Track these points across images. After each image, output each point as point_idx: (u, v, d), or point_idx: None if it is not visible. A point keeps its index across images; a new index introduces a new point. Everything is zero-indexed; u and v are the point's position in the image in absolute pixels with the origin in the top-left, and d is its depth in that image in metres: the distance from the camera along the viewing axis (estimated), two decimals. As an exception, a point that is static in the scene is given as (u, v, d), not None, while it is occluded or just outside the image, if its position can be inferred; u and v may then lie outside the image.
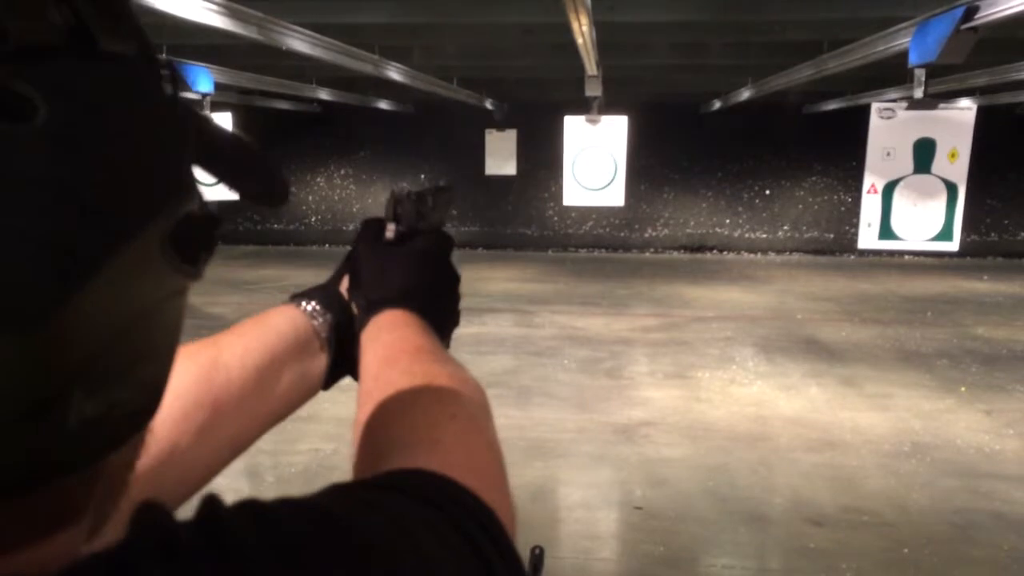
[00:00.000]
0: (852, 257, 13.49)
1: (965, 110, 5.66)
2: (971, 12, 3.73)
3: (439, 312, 0.80)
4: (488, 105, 11.70)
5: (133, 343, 0.32)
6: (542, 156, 13.01)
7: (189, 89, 6.00)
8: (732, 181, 14.06)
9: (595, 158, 9.04)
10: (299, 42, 5.09)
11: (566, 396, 6.23)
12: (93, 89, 0.31)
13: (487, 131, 13.11)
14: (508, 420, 5.48)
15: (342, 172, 14.73)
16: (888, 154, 5.62)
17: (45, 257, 0.28)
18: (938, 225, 5.66)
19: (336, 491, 0.45)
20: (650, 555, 3.92)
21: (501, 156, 13.22)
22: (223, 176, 0.41)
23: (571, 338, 7.99)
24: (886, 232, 5.66)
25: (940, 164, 5.62)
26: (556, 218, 14.39)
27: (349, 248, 0.86)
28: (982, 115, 5.82)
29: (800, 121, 12.97)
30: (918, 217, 5.67)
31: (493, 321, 8.60)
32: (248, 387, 0.72)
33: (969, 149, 5.60)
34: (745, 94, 9.34)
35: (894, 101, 5.76)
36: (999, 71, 6.87)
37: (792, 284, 11.30)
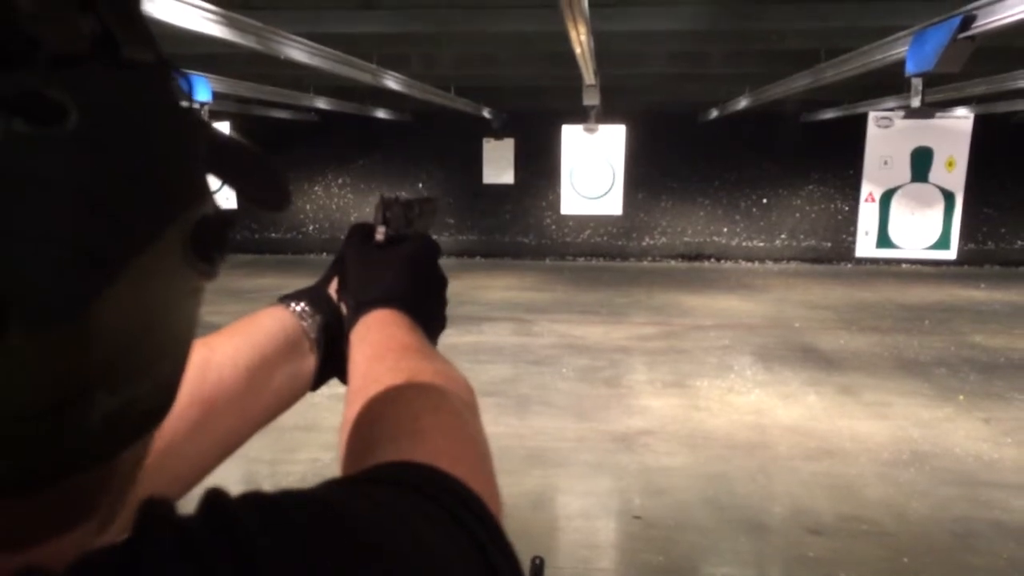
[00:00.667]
0: (849, 265, 13.50)
1: (962, 119, 5.68)
2: (968, 21, 3.74)
3: (426, 314, 0.81)
4: (486, 114, 11.71)
5: (152, 342, 0.34)
6: (540, 165, 13.03)
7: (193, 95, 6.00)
8: (730, 190, 14.07)
9: (593, 167, 9.06)
10: (297, 51, 5.09)
11: (565, 405, 6.22)
12: (119, 95, 0.32)
13: (485, 140, 13.13)
14: (507, 429, 5.47)
15: (340, 181, 14.73)
16: (885, 163, 5.63)
17: (71, 259, 0.29)
18: (936, 234, 5.67)
19: (332, 485, 0.46)
20: (649, 564, 3.91)
21: (499, 165, 13.24)
22: (228, 180, 0.42)
23: (570, 347, 7.99)
24: (884, 240, 5.66)
25: (937, 173, 5.63)
26: (554, 227, 14.39)
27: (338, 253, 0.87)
28: (979, 124, 5.84)
29: (797, 130, 13.00)
30: (916, 225, 5.68)
31: (491, 330, 8.59)
32: (240, 387, 0.73)
33: (966, 158, 5.62)
34: (742, 103, 9.36)
35: (891, 110, 5.77)
36: (996, 80, 6.88)
37: (790, 292, 11.30)
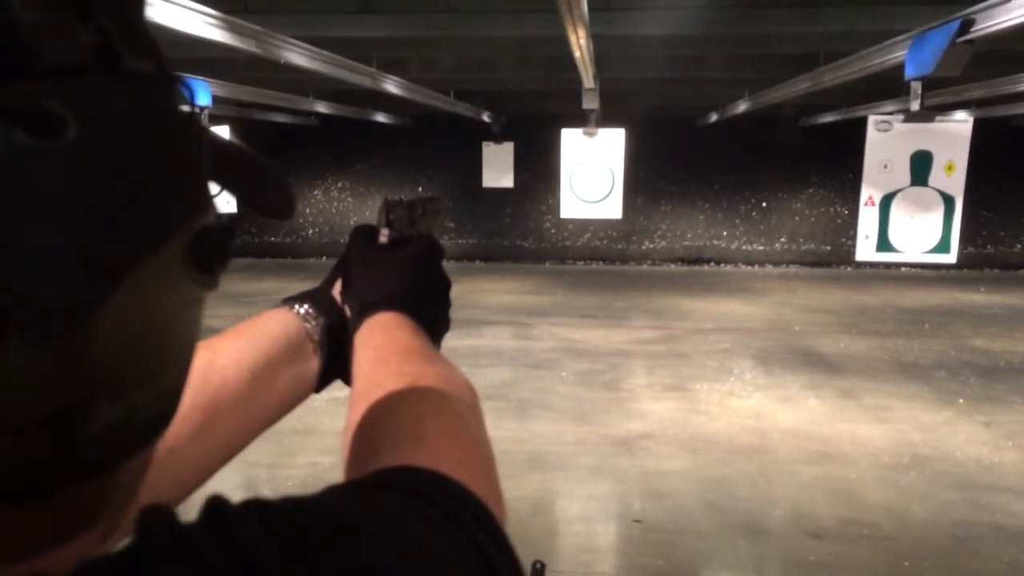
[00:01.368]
0: (849, 269, 13.50)
1: (962, 123, 5.68)
2: (967, 25, 3.74)
3: (430, 316, 0.81)
4: (485, 118, 11.72)
5: (154, 352, 0.34)
6: (539, 169, 13.04)
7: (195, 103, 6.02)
8: (729, 193, 14.08)
9: (592, 171, 9.05)
10: (297, 55, 5.09)
11: (564, 408, 6.21)
12: (119, 106, 0.32)
13: (484, 144, 13.13)
14: (506, 432, 5.46)
15: (339, 185, 14.74)
16: (885, 166, 5.63)
17: (72, 271, 0.29)
18: (936, 237, 5.67)
19: (334, 491, 0.45)
20: (649, 568, 3.90)
21: (498, 169, 13.23)
22: (232, 187, 0.42)
23: (569, 350, 7.98)
24: (884, 244, 5.66)
25: (937, 176, 5.63)
26: (553, 230, 14.39)
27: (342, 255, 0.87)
28: (978, 127, 5.84)
29: (797, 134, 13.01)
30: (915, 229, 5.68)
31: (491, 333, 8.59)
32: (243, 390, 0.73)
33: (966, 162, 5.62)
34: (742, 107, 9.37)
35: (890, 114, 5.77)
36: (995, 84, 6.89)
37: (790, 296, 11.30)
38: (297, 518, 0.38)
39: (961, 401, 6.45)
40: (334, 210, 14.81)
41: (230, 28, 4.18)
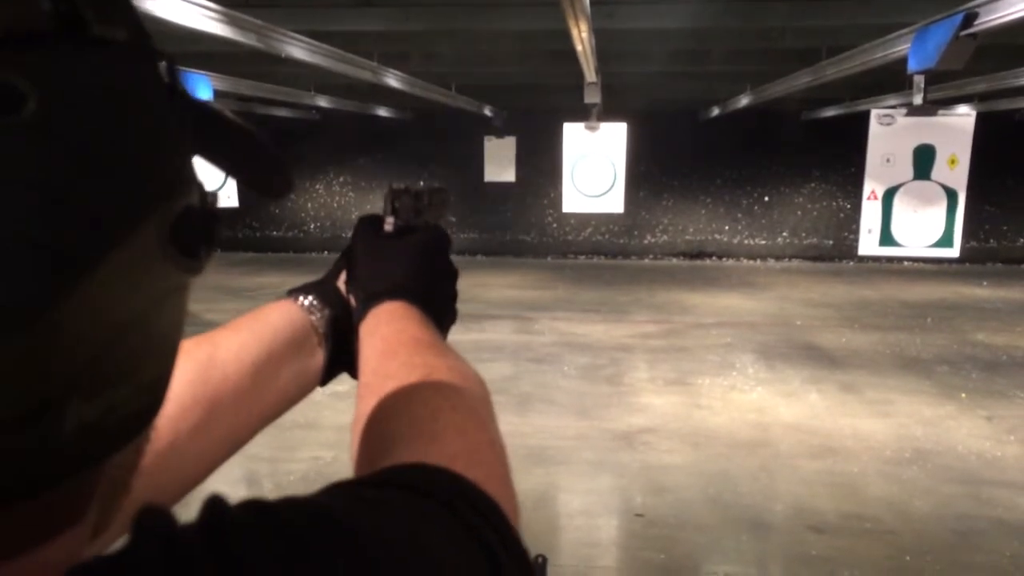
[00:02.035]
0: (851, 263, 13.49)
1: (964, 116, 5.67)
2: (970, 18, 3.73)
3: (437, 306, 0.79)
4: (487, 112, 11.71)
5: (132, 343, 0.31)
6: (541, 163, 13.03)
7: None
8: (731, 188, 14.07)
9: (594, 165, 9.05)
10: (298, 49, 5.09)
11: (566, 403, 6.21)
12: (85, 78, 0.29)
13: (486, 138, 13.12)
14: (508, 427, 5.43)
15: (341, 179, 14.74)
16: (888, 160, 5.63)
17: (35, 257, 0.26)
18: (938, 231, 5.67)
19: (338, 490, 0.44)
20: (651, 563, 3.91)
21: (500, 163, 13.23)
22: (220, 163, 0.39)
23: (571, 345, 7.98)
24: (887, 238, 5.66)
25: (940, 170, 5.63)
26: (555, 225, 14.39)
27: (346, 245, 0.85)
28: (981, 121, 5.83)
29: (799, 127, 12.99)
30: (918, 223, 5.67)
31: (493, 328, 8.59)
32: (245, 383, 0.71)
33: (969, 155, 5.61)
34: (744, 101, 9.36)
35: (893, 107, 5.77)
36: (998, 77, 6.87)
37: (792, 290, 11.29)
38: (295, 521, 0.36)
39: (963, 395, 6.45)
40: (335, 204, 14.81)
41: (231, 22, 4.18)
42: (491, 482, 0.49)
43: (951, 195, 5.65)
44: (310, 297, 0.80)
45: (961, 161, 5.61)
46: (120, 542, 0.34)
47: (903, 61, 4.49)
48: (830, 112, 11.23)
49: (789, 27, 5.77)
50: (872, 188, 5.68)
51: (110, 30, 0.30)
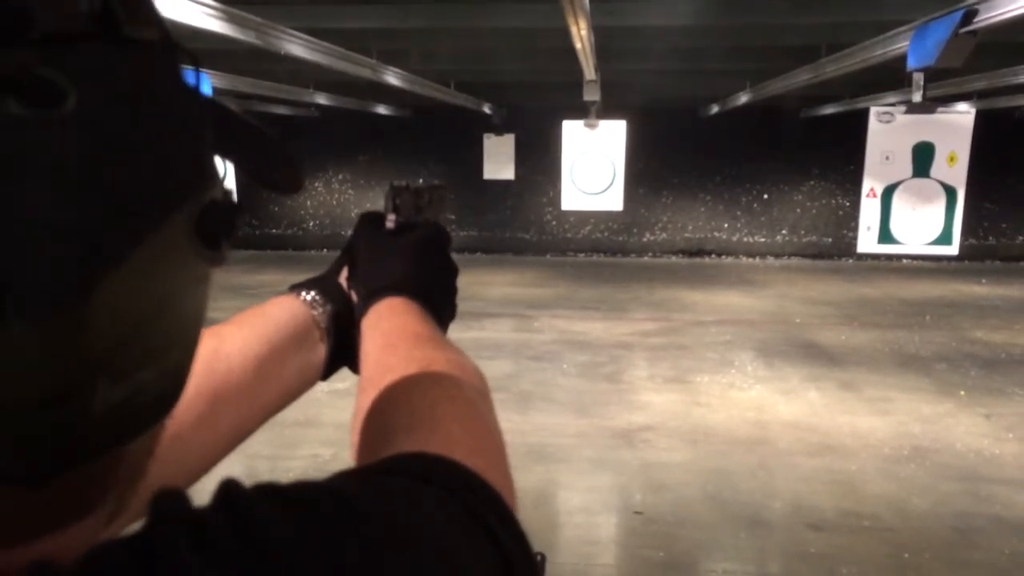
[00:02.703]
0: (851, 261, 13.49)
1: (964, 114, 5.67)
2: (970, 16, 3.73)
3: (437, 302, 0.80)
4: (486, 109, 11.70)
5: (158, 330, 0.33)
6: (540, 160, 13.03)
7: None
8: (730, 185, 14.07)
9: (593, 162, 9.06)
10: (297, 47, 5.09)
11: (566, 401, 6.22)
12: (120, 76, 0.31)
13: (485, 135, 13.13)
14: (508, 425, 5.42)
15: (340, 177, 14.73)
16: (887, 158, 5.63)
17: (71, 246, 0.28)
18: (937, 229, 5.67)
19: (346, 477, 0.45)
20: (650, 560, 3.91)
21: (499, 160, 13.24)
22: (236, 160, 0.41)
23: (570, 342, 7.98)
24: (886, 236, 5.66)
25: (939, 168, 5.63)
26: (555, 222, 14.39)
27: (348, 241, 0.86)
28: (981, 119, 5.84)
29: (798, 125, 12.99)
30: (917, 221, 5.68)
31: (492, 326, 8.59)
32: (248, 377, 0.72)
33: (968, 153, 5.61)
34: (743, 98, 9.35)
35: (893, 105, 5.77)
36: (997, 75, 6.87)
37: (791, 288, 11.30)
38: (309, 502, 0.37)
39: (962, 393, 6.45)
40: (335, 202, 14.81)
41: (230, 19, 4.17)
42: (491, 471, 0.50)
43: (950, 193, 5.66)
44: (312, 292, 0.81)
45: (960, 159, 5.62)
46: (135, 526, 0.34)
47: (902, 58, 4.49)
48: (829, 110, 11.23)
49: (788, 24, 5.77)
50: (871, 186, 5.68)
51: (142, 30, 0.32)
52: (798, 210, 14.07)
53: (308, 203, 14.83)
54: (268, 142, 0.43)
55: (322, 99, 9.84)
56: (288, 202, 14.75)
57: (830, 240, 13.97)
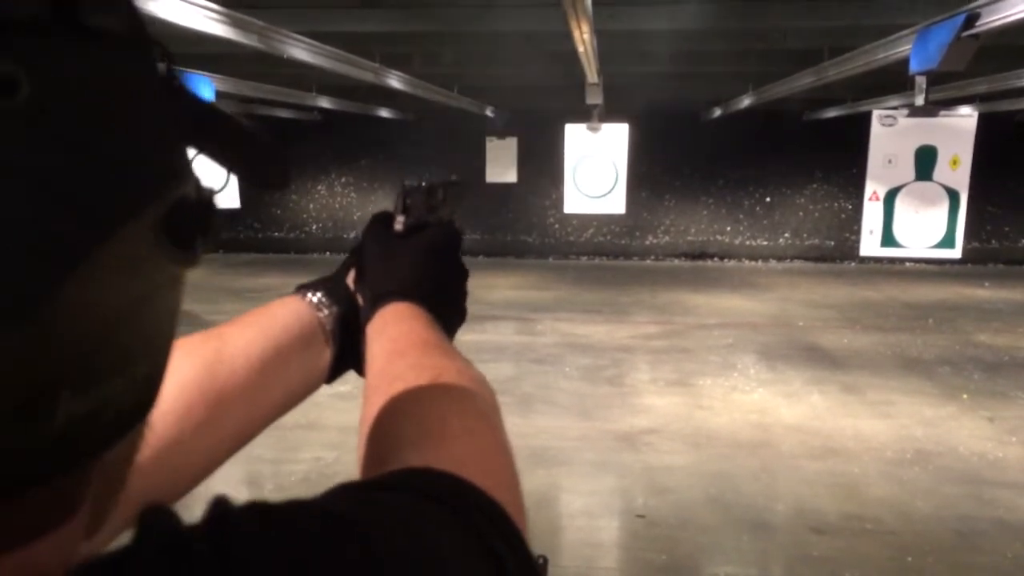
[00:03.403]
0: (853, 264, 13.48)
1: (966, 117, 5.67)
2: (972, 19, 3.73)
3: (446, 306, 0.79)
4: (489, 113, 11.72)
5: (125, 337, 0.31)
6: (543, 164, 13.04)
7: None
8: (733, 188, 14.06)
9: (596, 166, 9.06)
10: (300, 50, 5.10)
11: (568, 404, 6.21)
12: (79, 66, 0.29)
13: (488, 139, 13.14)
14: (510, 428, 5.40)
15: (343, 180, 14.75)
16: (890, 161, 5.63)
17: (26, 249, 0.26)
18: (940, 232, 5.67)
19: (344, 492, 0.44)
20: (652, 563, 3.91)
21: (502, 164, 13.25)
22: (214, 155, 0.38)
23: (573, 345, 7.98)
24: (888, 239, 5.66)
25: (942, 171, 5.63)
26: (557, 225, 14.39)
27: (356, 242, 0.85)
28: (983, 122, 5.83)
29: (801, 128, 12.99)
30: (920, 224, 5.67)
31: (494, 329, 8.59)
32: (252, 380, 0.71)
33: (971, 156, 5.61)
34: (746, 101, 9.35)
35: (895, 108, 5.76)
36: (1000, 78, 6.87)
37: (793, 291, 11.29)
38: (301, 523, 0.36)
39: (965, 396, 6.44)
40: (337, 205, 14.82)
41: (233, 23, 4.18)
42: (499, 489, 0.48)
43: (953, 196, 5.65)
44: (319, 294, 0.80)
45: (963, 162, 5.62)
46: (121, 541, 0.33)
47: (905, 62, 4.49)
48: (832, 113, 11.23)
49: (791, 28, 5.77)
50: (874, 189, 5.68)
51: (105, 20, 0.30)
52: (801, 213, 14.06)
53: (311, 206, 14.84)
54: (250, 135, 0.40)
55: (325, 103, 9.86)
56: (290, 205, 14.77)
57: (833, 243, 13.96)
